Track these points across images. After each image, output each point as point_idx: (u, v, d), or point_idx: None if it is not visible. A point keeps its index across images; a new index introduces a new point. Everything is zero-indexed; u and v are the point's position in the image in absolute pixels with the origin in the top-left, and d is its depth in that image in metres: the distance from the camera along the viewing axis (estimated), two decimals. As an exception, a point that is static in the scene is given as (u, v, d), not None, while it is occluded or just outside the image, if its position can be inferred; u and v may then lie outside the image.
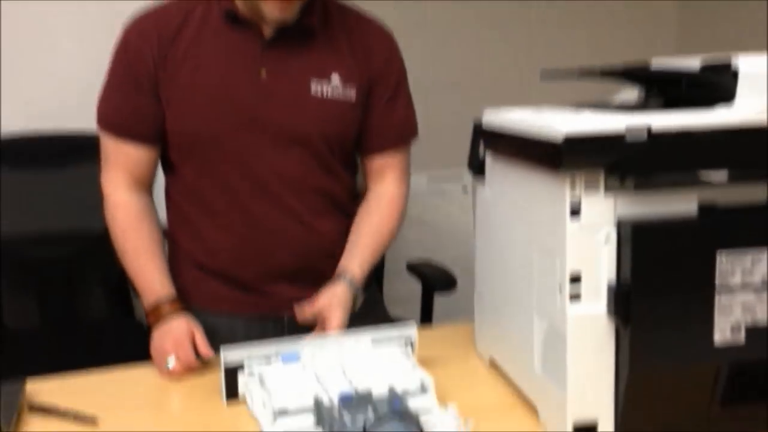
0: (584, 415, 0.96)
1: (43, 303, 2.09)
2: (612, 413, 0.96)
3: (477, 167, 1.22)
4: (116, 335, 2.00)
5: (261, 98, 1.31)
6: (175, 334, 1.24)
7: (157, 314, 1.29)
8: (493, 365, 1.24)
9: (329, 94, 1.33)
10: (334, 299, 1.32)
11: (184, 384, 1.21)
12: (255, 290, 1.38)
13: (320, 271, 1.39)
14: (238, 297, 1.38)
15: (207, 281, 1.39)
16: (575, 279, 0.95)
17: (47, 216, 2.02)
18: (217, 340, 1.36)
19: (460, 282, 1.91)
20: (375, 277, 1.63)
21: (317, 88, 1.32)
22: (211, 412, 1.12)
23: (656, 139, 0.90)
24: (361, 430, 0.97)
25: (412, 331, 1.24)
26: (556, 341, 0.98)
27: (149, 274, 1.32)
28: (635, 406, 0.96)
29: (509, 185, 1.12)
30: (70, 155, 2.01)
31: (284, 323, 1.39)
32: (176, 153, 1.36)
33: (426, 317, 1.94)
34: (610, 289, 0.95)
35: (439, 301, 1.95)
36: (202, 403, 1.15)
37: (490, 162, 1.19)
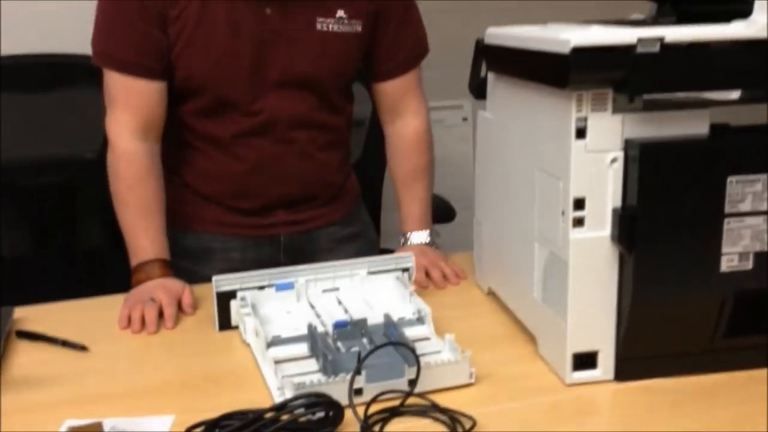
0: (584, 345, 0.94)
1: (38, 231, 2.07)
2: (613, 343, 0.94)
3: (478, 90, 1.17)
4: (113, 264, 1.97)
5: (266, 36, 1.26)
6: (170, 286, 1.19)
7: (148, 272, 1.22)
8: (492, 295, 1.21)
9: (335, 29, 1.29)
10: (418, 258, 1.27)
11: (177, 314, 1.18)
12: (253, 216, 1.36)
13: (318, 197, 1.40)
14: (236, 221, 1.36)
15: (204, 207, 1.37)
16: (579, 203, 0.91)
17: (42, 141, 1.95)
18: (212, 261, 1.34)
19: (459, 214, 1.87)
20: (370, 211, 1.61)
21: (323, 25, 1.28)
22: (203, 340, 1.10)
23: (669, 52, 0.84)
24: (356, 358, 0.94)
25: (409, 260, 1.20)
26: (557, 268, 0.95)
27: (150, 232, 1.25)
28: (637, 336, 0.93)
29: (512, 107, 1.07)
30: (64, 78, 1.93)
31: (280, 242, 1.38)
32: (178, 89, 1.29)
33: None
34: (615, 213, 0.91)
35: (441, 230, 1.91)
36: (195, 333, 1.12)
37: (492, 83, 1.14)
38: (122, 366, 1.03)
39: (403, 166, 1.41)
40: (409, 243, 1.38)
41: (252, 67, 1.26)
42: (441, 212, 1.91)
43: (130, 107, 1.25)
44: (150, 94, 1.26)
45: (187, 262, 1.33)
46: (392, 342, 0.94)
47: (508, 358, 1.02)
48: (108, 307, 1.19)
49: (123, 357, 1.05)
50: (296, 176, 1.35)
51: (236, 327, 1.11)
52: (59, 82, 1.84)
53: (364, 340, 1.03)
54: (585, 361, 0.94)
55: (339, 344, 1.02)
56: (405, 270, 1.20)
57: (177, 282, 1.21)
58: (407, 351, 0.95)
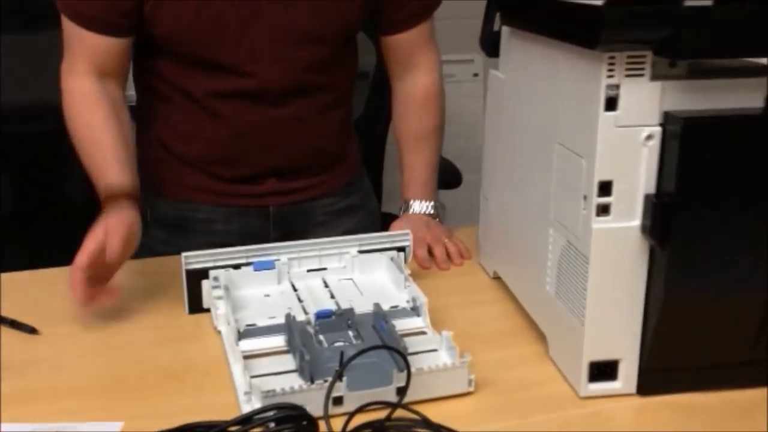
0: (603, 352, 0.81)
1: (18, 185, 1.96)
2: (636, 351, 0.80)
3: (491, 46, 1.02)
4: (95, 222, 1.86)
5: None
6: (113, 222, 0.99)
7: (108, 204, 1.03)
8: (498, 280, 1.07)
9: None
10: (419, 232, 1.15)
11: (146, 289, 1.06)
12: (240, 183, 1.21)
13: (314, 165, 1.24)
14: (220, 189, 1.21)
15: (183, 172, 1.21)
16: (605, 188, 0.76)
17: (22, 87, 1.82)
18: (191, 233, 1.21)
19: (465, 179, 1.73)
20: (371, 172, 1.46)
21: None
22: (170, 325, 0.97)
23: (723, 6, 0.69)
24: (338, 357, 0.81)
25: (406, 238, 1.07)
26: (575, 261, 0.81)
27: (106, 163, 1.07)
28: (666, 344, 0.80)
29: (528, 68, 0.92)
30: (42, 20, 1.78)
31: (269, 214, 1.23)
32: (157, 47, 1.12)
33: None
34: (647, 200, 0.76)
35: (442, 198, 1.77)
36: (162, 315, 0.99)
37: (506, 38, 0.98)
38: (74, 355, 0.90)
39: (410, 126, 1.26)
40: (411, 211, 1.23)
41: (240, 25, 1.08)
42: (446, 176, 1.77)
43: (85, 57, 1.10)
44: (109, 48, 1.10)
45: (162, 232, 1.19)
46: (379, 346, 0.81)
47: (514, 360, 0.89)
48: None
49: (76, 343, 0.93)
50: (290, 144, 1.19)
51: (209, 310, 0.98)
52: (48, 25, 1.70)
53: (350, 333, 0.90)
54: (603, 371, 0.81)
55: (321, 337, 0.89)
56: (401, 250, 1.06)
57: (125, 217, 1.00)
58: (397, 350, 0.82)
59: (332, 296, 0.99)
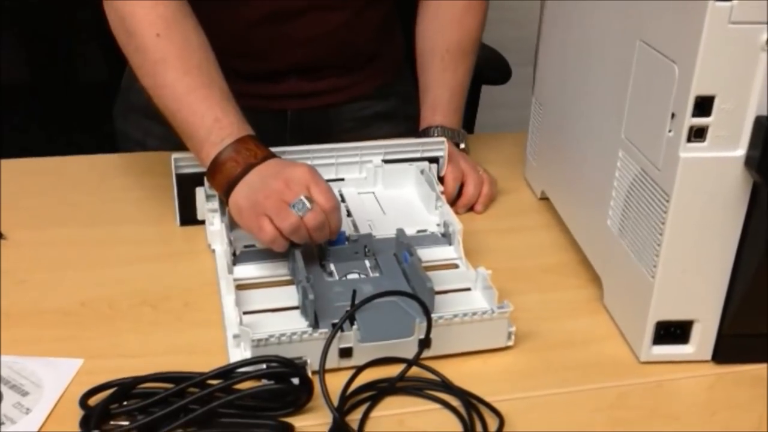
0: (675, 311, 0.65)
1: (32, 56, 1.83)
2: (718, 312, 0.64)
3: None
4: (110, 100, 1.74)
5: None
6: (301, 173, 0.73)
7: (249, 157, 0.75)
8: (546, 202, 0.91)
9: None
10: (460, 160, 0.92)
11: (135, 191, 0.91)
12: (256, 82, 1.00)
13: (345, 64, 1.03)
14: (236, 88, 0.97)
15: None
16: (704, 105, 0.58)
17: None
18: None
19: (515, 73, 1.53)
20: (411, 68, 1.24)
21: None
22: (157, 238, 0.82)
23: None
24: (350, 294, 0.67)
25: (440, 148, 0.90)
26: (650, 196, 0.64)
27: (219, 98, 0.78)
28: (756, 305, 0.63)
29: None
30: None
31: (287, 118, 1.04)
32: None
33: (468, 119, 1.57)
34: (758, 125, 0.58)
35: (488, 95, 1.57)
36: (149, 225, 0.84)
37: None
38: (40, 268, 0.77)
39: (445, 34, 1.00)
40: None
41: None
42: (492, 70, 1.57)
43: None
44: None
45: (159, 127, 1.02)
46: (398, 292, 0.66)
47: (560, 307, 0.74)
48: (64, 171, 0.93)
49: (46, 254, 0.79)
50: (315, 38, 0.98)
51: (204, 222, 0.83)
52: None
53: (367, 263, 0.76)
54: (672, 332, 0.66)
55: (332, 266, 0.75)
56: (434, 161, 0.90)
57: (305, 167, 0.74)
58: (421, 288, 0.67)
59: (349, 213, 0.84)
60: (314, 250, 0.75)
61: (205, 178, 0.78)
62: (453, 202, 0.88)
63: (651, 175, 0.64)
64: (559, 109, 0.86)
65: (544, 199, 0.92)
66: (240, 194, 0.73)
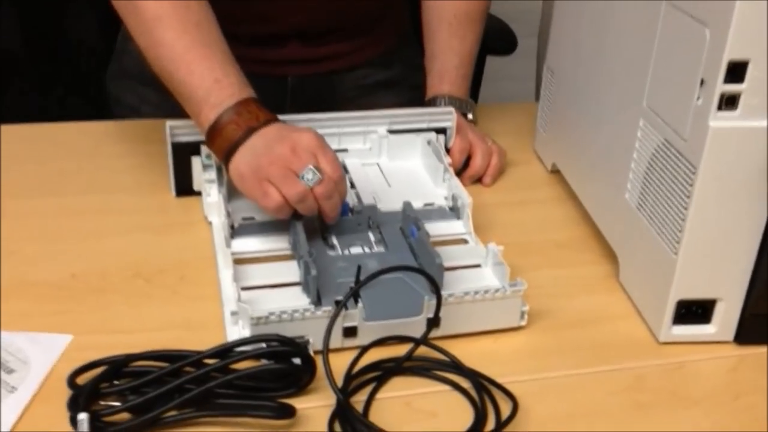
0: (698, 289, 0.61)
1: (24, 22, 1.79)
2: (743, 290, 0.61)
3: None
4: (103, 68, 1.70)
5: None
6: (308, 139, 0.69)
7: (250, 121, 0.71)
8: (558, 175, 0.87)
9: None
10: (467, 131, 0.88)
11: (129, 160, 0.87)
12: (255, 46, 0.96)
13: (348, 28, 0.98)
14: (235, 53, 0.95)
15: None
16: (737, 71, 0.54)
17: None
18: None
19: (521, 44, 1.49)
20: (416, 36, 1.20)
21: None
22: (150, 208, 0.79)
23: None
24: (354, 267, 0.63)
25: (449, 117, 0.86)
26: (675, 168, 0.60)
27: (221, 61, 0.74)
28: (785, 283, 0.60)
29: None
30: None
31: (287, 85, 1.00)
32: None
33: (472, 90, 1.52)
34: (793, 93, 0.55)
35: (489, 68, 1.53)
36: (142, 197, 0.80)
37: None
38: (30, 239, 0.73)
39: (457, 3, 0.96)
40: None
41: None
42: (497, 40, 1.52)
43: None
44: None
45: (154, 93, 0.98)
46: (405, 267, 0.62)
47: (574, 284, 0.71)
48: (56, 139, 0.89)
49: (37, 224, 0.75)
50: (320, 1, 0.93)
51: (200, 193, 0.80)
52: None
53: (371, 236, 0.72)
54: (693, 311, 0.62)
55: (334, 239, 0.71)
56: (441, 132, 0.86)
57: (312, 132, 0.70)
58: (429, 264, 0.64)
59: (352, 185, 0.80)
60: (316, 222, 0.72)
61: (204, 143, 0.74)
62: (459, 174, 0.85)
63: (676, 145, 0.60)
64: (573, 78, 0.82)
65: (555, 171, 0.88)
66: (241, 160, 0.69)
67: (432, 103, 0.92)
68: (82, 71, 1.66)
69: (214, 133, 0.71)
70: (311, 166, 0.66)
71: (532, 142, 0.94)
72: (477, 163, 0.86)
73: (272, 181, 0.66)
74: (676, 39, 0.60)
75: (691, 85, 0.57)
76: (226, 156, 0.70)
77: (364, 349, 0.58)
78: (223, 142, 0.70)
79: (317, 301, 0.62)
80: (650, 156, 0.64)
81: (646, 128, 0.65)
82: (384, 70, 1.05)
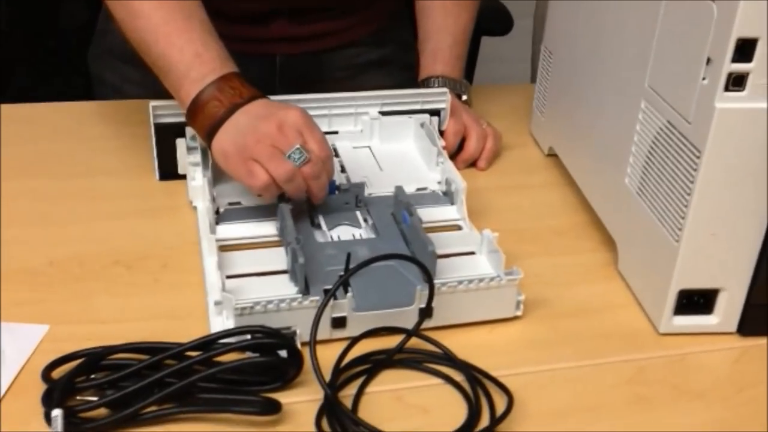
0: (700, 278, 0.59)
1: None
2: (746, 279, 0.58)
3: None
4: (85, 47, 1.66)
5: None
6: (294, 117, 0.67)
7: (224, 99, 0.68)
8: (554, 158, 0.85)
9: None
10: (462, 113, 0.85)
11: (111, 142, 0.84)
12: (241, 23, 0.92)
13: (332, 6, 0.95)
14: (222, 30, 0.91)
15: None
16: (745, 49, 0.52)
17: None
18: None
19: (517, 25, 1.46)
20: (410, 14, 1.16)
21: None
22: (133, 192, 0.76)
23: None
24: (343, 254, 0.61)
25: (442, 99, 0.83)
26: (678, 152, 0.58)
27: (196, 38, 0.70)
28: (791, 272, 0.58)
29: None
30: None
31: (276, 64, 0.97)
32: None
33: (466, 72, 1.49)
34: (804, 73, 0.52)
35: (486, 47, 1.49)
36: (126, 178, 0.78)
37: None
38: (6, 223, 0.70)
39: None
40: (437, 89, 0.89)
41: None
42: (492, 21, 1.49)
43: None
44: None
45: (136, 71, 0.95)
46: (394, 255, 0.59)
47: (571, 272, 0.68)
48: (36, 120, 0.85)
49: (12, 207, 0.72)
50: None
51: (185, 177, 0.77)
52: None
53: (359, 214, 0.70)
54: (695, 301, 0.60)
55: (320, 218, 0.69)
56: (435, 114, 0.83)
57: (299, 110, 0.68)
58: (423, 253, 0.61)
59: (343, 169, 0.78)
60: (304, 205, 0.69)
61: (186, 120, 0.70)
62: (453, 157, 0.82)
63: (679, 128, 0.58)
64: (571, 58, 0.80)
65: (552, 155, 0.86)
66: (225, 138, 0.66)
67: (425, 83, 0.89)
68: (63, 50, 1.62)
69: (195, 109, 0.68)
70: (298, 146, 0.64)
71: (528, 125, 0.92)
72: (471, 146, 0.83)
73: (258, 160, 0.64)
74: (681, 15, 0.57)
75: (696, 64, 0.55)
76: (208, 134, 0.68)
77: (353, 341, 0.56)
78: (205, 119, 0.67)
79: (305, 290, 0.60)
80: (652, 139, 0.62)
81: (648, 110, 0.63)
82: (376, 50, 1.02)
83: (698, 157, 0.55)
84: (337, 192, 0.71)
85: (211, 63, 0.68)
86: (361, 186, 0.72)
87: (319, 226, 0.68)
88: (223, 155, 0.66)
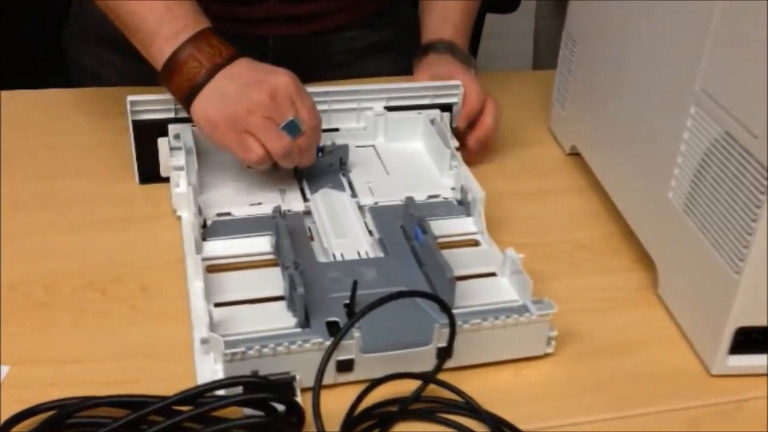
0: (760, 315, 0.51)
1: None
2: (815, 314, 0.51)
3: None
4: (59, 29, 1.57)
5: None
6: (285, 84, 0.63)
7: (202, 59, 0.63)
8: (577, 158, 0.77)
9: None
10: (472, 90, 0.76)
11: (87, 137, 0.75)
12: (231, 3, 0.84)
13: None
14: (208, 10, 0.82)
15: None
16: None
17: None
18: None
19: (524, 3, 1.37)
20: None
21: None
22: (110, 199, 0.67)
23: None
24: (348, 280, 0.53)
25: (455, 93, 0.74)
26: (738, 167, 0.50)
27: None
28: None
29: None
30: None
31: (268, 47, 0.88)
32: None
33: (471, 48, 1.40)
34: None
35: (493, 26, 1.40)
36: (102, 182, 0.69)
37: None
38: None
39: None
40: (437, 57, 0.81)
41: None
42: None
43: None
44: None
45: (116, 56, 0.86)
46: (410, 292, 0.51)
47: (603, 296, 0.60)
48: (12, 109, 0.76)
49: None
50: None
51: (168, 179, 0.68)
52: None
53: (342, 178, 0.65)
54: (753, 338, 0.53)
55: (304, 183, 0.62)
56: (446, 108, 0.75)
57: (289, 75, 0.64)
58: (442, 281, 0.53)
59: (344, 173, 0.69)
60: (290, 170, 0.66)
61: (159, 80, 0.64)
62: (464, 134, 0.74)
63: (741, 141, 0.50)
64: (600, 47, 0.71)
65: (574, 154, 0.78)
66: (209, 103, 0.61)
67: (431, 47, 0.81)
68: (36, 33, 1.51)
69: (170, 69, 0.62)
70: (293, 118, 0.61)
71: (546, 120, 0.83)
72: (488, 121, 0.75)
73: (253, 133, 0.61)
74: (746, 6, 0.49)
75: (765, 64, 0.47)
76: (187, 96, 0.62)
77: (363, 393, 0.48)
78: (183, 81, 0.62)
79: (305, 323, 0.52)
80: (704, 151, 0.54)
81: (700, 117, 0.54)
82: (376, 32, 0.93)
83: (766, 178, 0.47)
84: (320, 154, 0.67)
85: (184, 18, 0.63)
86: (345, 148, 0.69)
87: (303, 192, 0.66)
88: (210, 124, 0.62)
